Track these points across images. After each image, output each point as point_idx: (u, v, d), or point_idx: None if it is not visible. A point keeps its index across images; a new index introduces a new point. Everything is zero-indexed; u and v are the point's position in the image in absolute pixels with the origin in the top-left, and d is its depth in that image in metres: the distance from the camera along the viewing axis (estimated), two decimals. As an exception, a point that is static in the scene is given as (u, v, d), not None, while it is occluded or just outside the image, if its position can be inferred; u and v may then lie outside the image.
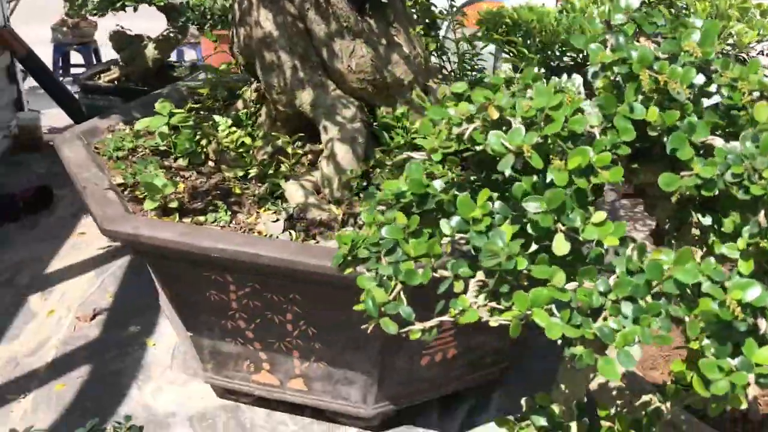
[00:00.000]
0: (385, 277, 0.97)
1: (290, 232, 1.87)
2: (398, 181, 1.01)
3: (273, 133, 2.06)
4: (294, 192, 1.99)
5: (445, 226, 0.97)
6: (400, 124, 2.08)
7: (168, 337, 2.55)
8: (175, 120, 2.19)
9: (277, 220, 1.92)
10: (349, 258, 1.01)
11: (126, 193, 2.03)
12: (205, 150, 2.20)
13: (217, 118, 2.18)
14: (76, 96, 3.78)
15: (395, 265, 0.96)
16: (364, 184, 2.03)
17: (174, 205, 1.92)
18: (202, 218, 1.94)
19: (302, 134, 2.07)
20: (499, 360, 2.25)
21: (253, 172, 2.11)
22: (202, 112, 2.30)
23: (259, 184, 2.10)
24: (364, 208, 1.04)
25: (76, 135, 2.31)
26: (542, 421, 1.07)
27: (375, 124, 2.12)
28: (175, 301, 2.03)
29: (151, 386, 2.35)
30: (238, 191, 2.06)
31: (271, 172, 2.09)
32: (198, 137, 2.18)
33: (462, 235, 0.96)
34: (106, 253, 3.06)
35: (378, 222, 1.00)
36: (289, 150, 2.03)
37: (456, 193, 1.00)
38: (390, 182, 1.01)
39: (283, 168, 2.08)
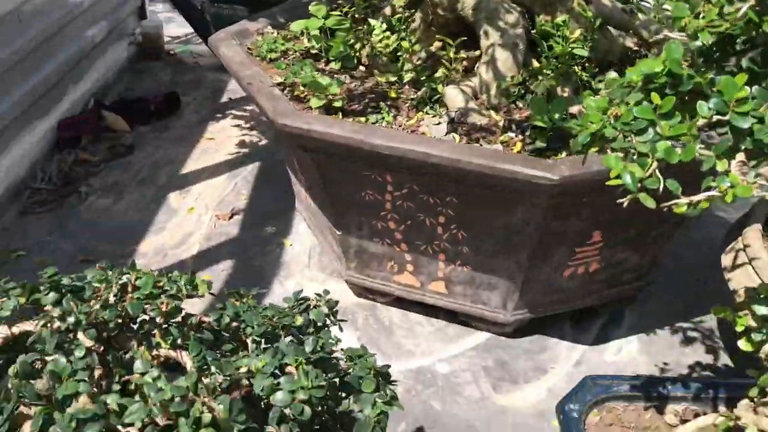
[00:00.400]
0: (636, 156, 0.98)
1: (453, 135, 1.90)
2: (651, 62, 1.01)
3: (437, 36, 2.06)
4: (454, 96, 2.01)
5: (703, 107, 0.97)
6: (559, 33, 2.04)
7: (304, 237, 2.66)
8: (330, 22, 2.21)
9: (440, 123, 1.94)
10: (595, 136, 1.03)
11: (285, 92, 2.09)
12: (357, 54, 2.23)
13: (372, 21, 2.19)
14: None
15: (651, 144, 0.97)
16: (522, 91, 2.03)
17: (338, 104, 1.97)
18: (362, 119, 1.99)
19: (464, 38, 2.06)
20: (635, 278, 2.26)
21: (407, 76, 2.13)
22: (356, 15, 2.31)
23: (414, 89, 2.12)
24: (595, 95, 1.04)
25: (230, 35, 2.37)
26: (764, 310, 1.09)
27: (533, 31, 2.09)
28: (330, 200, 2.11)
29: (292, 282, 2.47)
30: (393, 95, 2.09)
31: (424, 77, 2.11)
32: (352, 41, 2.20)
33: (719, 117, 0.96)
34: (236, 158, 3.18)
35: (628, 102, 1.01)
36: (451, 54, 2.03)
37: (711, 76, 1.00)
38: (644, 61, 1.01)
39: (438, 73, 2.09)
